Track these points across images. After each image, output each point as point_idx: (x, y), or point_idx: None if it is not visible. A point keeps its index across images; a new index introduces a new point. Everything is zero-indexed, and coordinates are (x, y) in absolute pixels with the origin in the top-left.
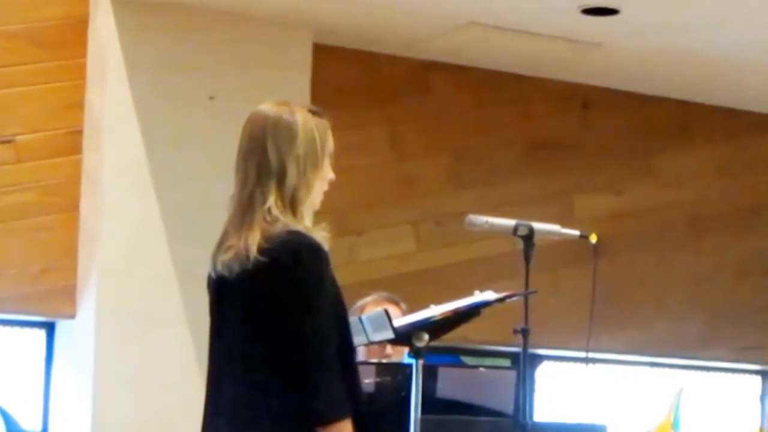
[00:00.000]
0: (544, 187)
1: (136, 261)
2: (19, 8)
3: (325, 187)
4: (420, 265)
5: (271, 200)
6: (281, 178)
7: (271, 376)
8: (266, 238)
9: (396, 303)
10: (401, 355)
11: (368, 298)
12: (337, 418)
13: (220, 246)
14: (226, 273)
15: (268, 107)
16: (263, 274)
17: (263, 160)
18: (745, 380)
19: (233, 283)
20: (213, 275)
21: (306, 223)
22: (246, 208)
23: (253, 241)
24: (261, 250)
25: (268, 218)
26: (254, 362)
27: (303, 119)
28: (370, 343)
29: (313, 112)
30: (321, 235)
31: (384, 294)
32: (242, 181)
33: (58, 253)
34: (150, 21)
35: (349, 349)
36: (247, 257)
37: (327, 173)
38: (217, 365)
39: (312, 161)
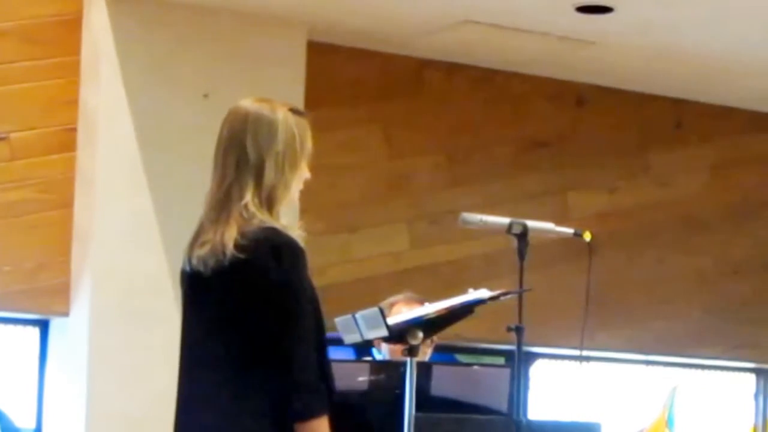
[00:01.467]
0: (538, 185)
1: (130, 259)
2: (13, 5)
3: (301, 186)
4: (414, 262)
5: (249, 196)
6: (259, 174)
7: (247, 374)
8: (242, 233)
9: (422, 303)
10: (425, 355)
11: (399, 296)
12: (315, 415)
13: (195, 240)
14: (201, 268)
15: (249, 103)
16: (240, 271)
17: (242, 155)
18: (739, 378)
19: (208, 278)
20: (187, 269)
21: (282, 221)
22: (223, 203)
23: (230, 237)
24: (237, 246)
25: (245, 214)
26: (229, 360)
27: (283, 117)
28: (364, 341)
29: (294, 111)
30: (298, 234)
31: (412, 294)
32: (220, 176)
33: (52, 250)
34: (143, 18)
35: (325, 348)
36: (223, 253)
37: (305, 172)
38: (189, 362)
39: (291, 159)
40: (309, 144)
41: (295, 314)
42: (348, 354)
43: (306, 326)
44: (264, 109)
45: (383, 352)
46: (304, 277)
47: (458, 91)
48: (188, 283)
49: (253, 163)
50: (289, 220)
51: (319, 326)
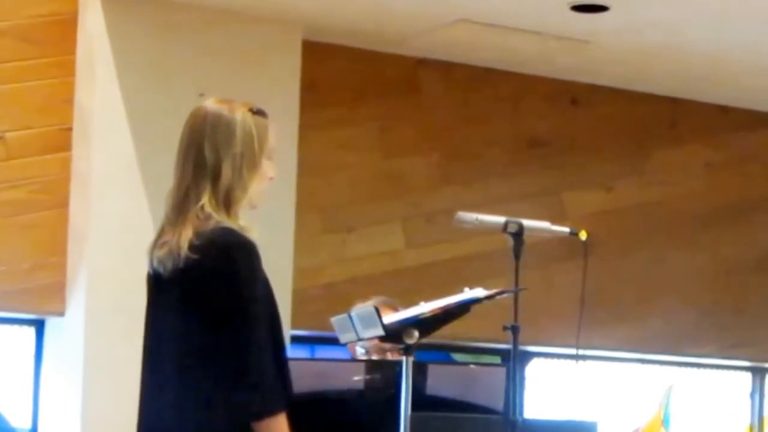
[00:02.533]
0: (534, 184)
1: (126, 258)
2: (8, 5)
3: (264, 185)
4: (409, 262)
5: (205, 198)
6: (216, 176)
7: (206, 372)
8: (197, 234)
9: (395, 308)
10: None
11: (368, 302)
12: (271, 413)
13: (156, 242)
14: (161, 269)
15: (209, 104)
16: (194, 271)
17: (199, 157)
18: (735, 377)
19: (167, 279)
20: (150, 271)
21: (240, 222)
22: (181, 205)
23: (185, 238)
24: (191, 247)
25: (201, 215)
26: (189, 358)
27: (242, 118)
28: (359, 340)
29: (254, 111)
30: (255, 236)
31: (386, 299)
32: (179, 178)
33: (48, 250)
34: (139, 18)
35: (281, 347)
36: (179, 254)
37: (266, 172)
38: (151, 361)
39: (249, 161)
40: (270, 144)
41: (248, 314)
42: (345, 354)
43: (260, 326)
44: (222, 110)
45: (363, 348)
46: (258, 276)
47: (453, 91)
48: (151, 284)
49: (210, 165)
50: (281, 219)
51: (275, 325)
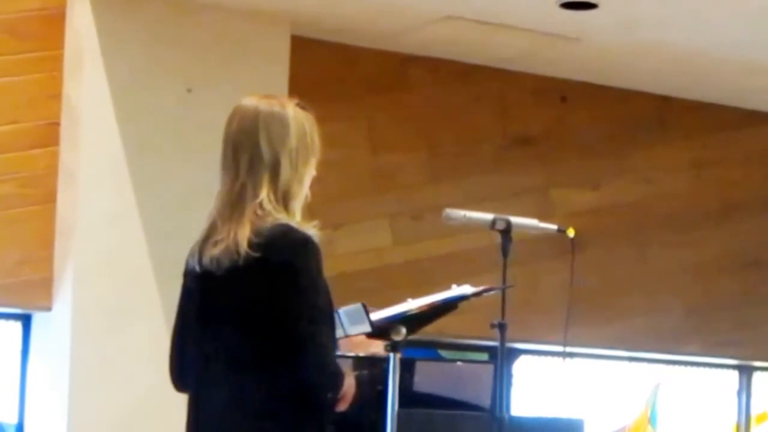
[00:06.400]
0: (521, 182)
1: (113, 254)
2: None
3: (310, 182)
4: (397, 258)
5: (263, 194)
6: (275, 171)
7: (269, 369)
8: (256, 232)
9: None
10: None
11: None
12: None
13: (208, 239)
14: (213, 268)
15: (256, 100)
16: (255, 270)
17: (255, 153)
18: (722, 375)
19: (221, 278)
20: (197, 269)
21: (297, 218)
22: (236, 201)
23: (243, 236)
24: (251, 245)
25: (260, 212)
26: (253, 355)
27: (294, 113)
28: (347, 336)
29: (301, 107)
30: (313, 232)
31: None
32: (233, 175)
33: (35, 245)
34: (127, 12)
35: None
36: (237, 252)
37: (314, 168)
38: (203, 359)
39: (303, 155)
40: (318, 139)
41: (316, 310)
42: None
43: (326, 321)
44: (274, 105)
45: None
46: (321, 273)
47: (442, 87)
48: (197, 281)
49: (267, 160)
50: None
51: (332, 324)
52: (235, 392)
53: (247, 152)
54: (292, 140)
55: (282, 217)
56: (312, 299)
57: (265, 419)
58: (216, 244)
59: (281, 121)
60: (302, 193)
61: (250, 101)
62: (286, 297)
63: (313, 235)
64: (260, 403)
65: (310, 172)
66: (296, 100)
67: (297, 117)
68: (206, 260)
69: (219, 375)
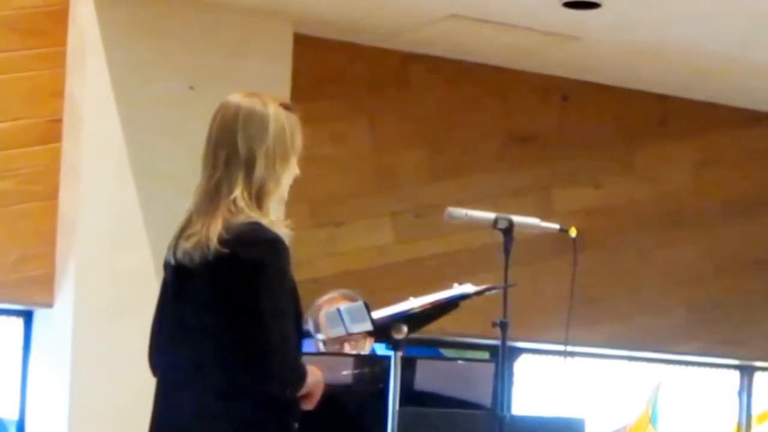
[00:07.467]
0: (523, 181)
1: (115, 250)
2: None
3: (291, 182)
4: (398, 256)
5: (238, 191)
6: (250, 169)
7: (230, 364)
8: (227, 228)
9: (353, 299)
10: (363, 348)
11: (334, 293)
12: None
13: (182, 233)
14: (186, 261)
15: (239, 98)
16: (223, 266)
17: (232, 150)
18: (723, 375)
19: (193, 272)
20: (172, 262)
21: (271, 216)
22: (211, 197)
23: (214, 231)
24: (221, 241)
25: (233, 209)
26: (215, 349)
27: (274, 112)
28: (348, 335)
29: (285, 106)
30: (284, 231)
31: (342, 291)
32: (210, 170)
33: (37, 241)
34: (129, 9)
35: (300, 344)
36: (208, 247)
37: (294, 168)
38: (170, 351)
39: (281, 155)
40: (299, 139)
41: (277, 309)
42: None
43: (287, 320)
44: (255, 104)
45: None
46: (286, 272)
47: (443, 86)
48: (172, 274)
49: (243, 157)
50: (276, 215)
51: (298, 323)
52: (198, 384)
53: (225, 148)
54: (270, 139)
55: (254, 215)
56: (276, 297)
57: (228, 412)
58: (189, 237)
59: (261, 120)
60: (278, 192)
61: (234, 98)
62: (251, 293)
63: (283, 235)
64: (222, 396)
65: (289, 172)
66: (281, 100)
67: (277, 116)
68: (179, 253)
69: (184, 367)
